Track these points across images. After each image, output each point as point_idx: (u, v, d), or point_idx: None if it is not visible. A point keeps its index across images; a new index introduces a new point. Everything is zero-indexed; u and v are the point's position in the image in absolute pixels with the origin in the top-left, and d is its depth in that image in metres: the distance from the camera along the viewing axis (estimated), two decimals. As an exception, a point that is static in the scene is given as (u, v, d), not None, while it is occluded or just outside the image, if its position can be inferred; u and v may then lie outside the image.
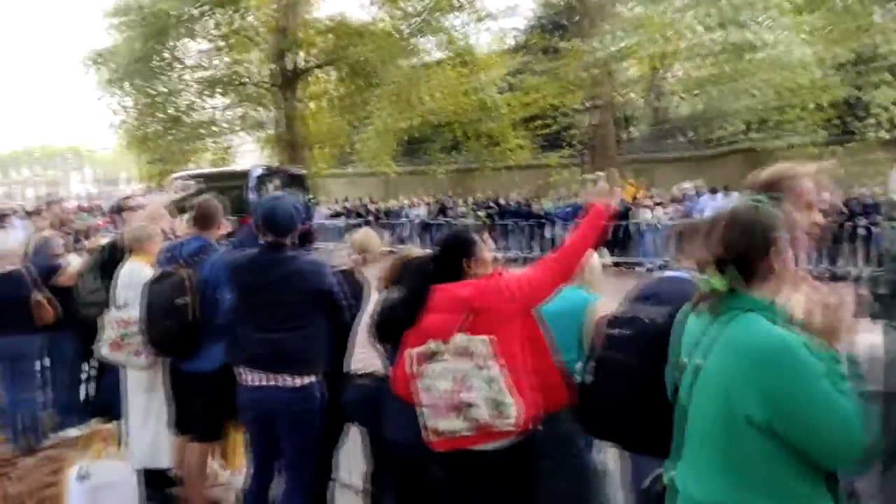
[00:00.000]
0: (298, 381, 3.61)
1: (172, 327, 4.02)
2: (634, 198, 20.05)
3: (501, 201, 21.06)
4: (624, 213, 16.91)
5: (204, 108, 34.90)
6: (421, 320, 2.95)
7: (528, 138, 27.76)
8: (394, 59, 27.72)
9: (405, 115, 27.83)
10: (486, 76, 27.48)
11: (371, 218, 23.35)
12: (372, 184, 32.86)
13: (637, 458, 3.00)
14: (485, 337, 2.73)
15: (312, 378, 3.67)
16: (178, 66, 33.61)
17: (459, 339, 2.75)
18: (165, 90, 33.44)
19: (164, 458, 4.64)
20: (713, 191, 16.74)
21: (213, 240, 4.31)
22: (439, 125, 30.17)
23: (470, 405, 2.70)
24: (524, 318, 2.92)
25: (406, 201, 23.23)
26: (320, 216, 25.52)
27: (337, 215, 25.05)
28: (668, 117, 32.18)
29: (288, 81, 31.78)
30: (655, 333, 2.45)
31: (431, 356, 2.77)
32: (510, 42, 32.13)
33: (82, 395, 6.34)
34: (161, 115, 33.69)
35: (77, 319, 5.45)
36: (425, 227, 21.55)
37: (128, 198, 5.93)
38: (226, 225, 4.92)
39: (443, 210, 21.86)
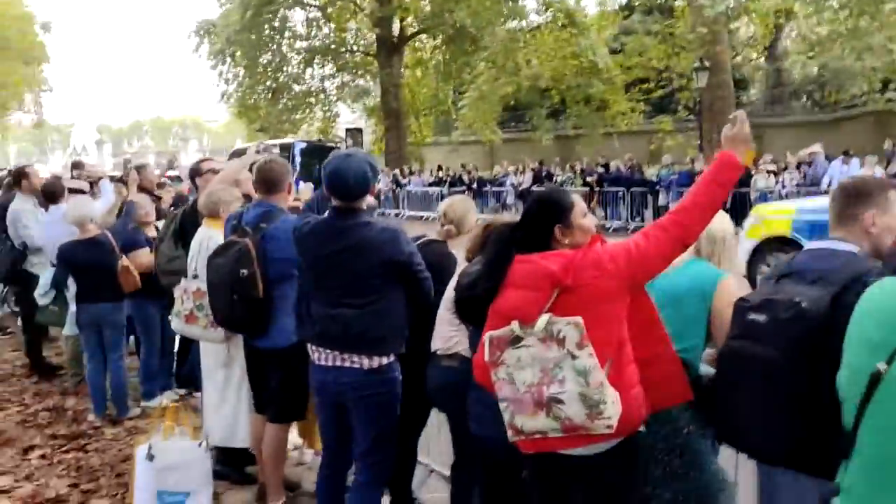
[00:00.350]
0: (371, 362, 3.20)
1: (238, 302, 3.67)
2: (753, 163, 18.92)
3: (608, 167, 20.13)
4: (743, 180, 15.87)
5: (310, 77, 35.33)
6: (501, 297, 2.47)
7: (636, 102, 26.70)
8: (495, 23, 27.05)
9: (508, 79, 27.15)
10: (591, 38, 26.39)
11: (471, 185, 22.85)
12: (474, 151, 32.43)
13: (772, 471, 2.43)
14: (576, 319, 2.23)
15: (387, 359, 3.25)
16: (284, 35, 34.01)
17: (545, 321, 2.25)
18: (272, 59, 33.93)
19: (241, 437, 4.35)
20: (846, 154, 15.38)
21: (279, 204, 3.89)
22: (543, 90, 29.42)
23: (558, 401, 2.21)
24: (630, 296, 2.38)
25: (509, 168, 22.60)
26: (420, 183, 25.32)
27: (437, 183, 24.67)
28: (786, 79, 30.31)
29: (390, 49, 31.64)
30: (806, 321, 1.89)
31: (512, 341, 2.30)
32: (616, 2, 30.75)
33: (170, 365, 6.23)
34: (267, 85, 34.23)
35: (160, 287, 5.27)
36: (527, 194, 20.93)
37: (204, 160, 5.67)
38: (306, 189, 4.57)
39: (546, 176, 21.17)
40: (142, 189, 6.54)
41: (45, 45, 38.84)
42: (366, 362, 3.19)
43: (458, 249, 3.80)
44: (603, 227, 18.69)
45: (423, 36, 33.63)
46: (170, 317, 4.52)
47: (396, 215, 25.23)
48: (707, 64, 19.80)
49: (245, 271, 3.62)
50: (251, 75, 34.02)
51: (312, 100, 35.20)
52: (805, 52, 26.05)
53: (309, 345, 3.35)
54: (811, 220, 8.73)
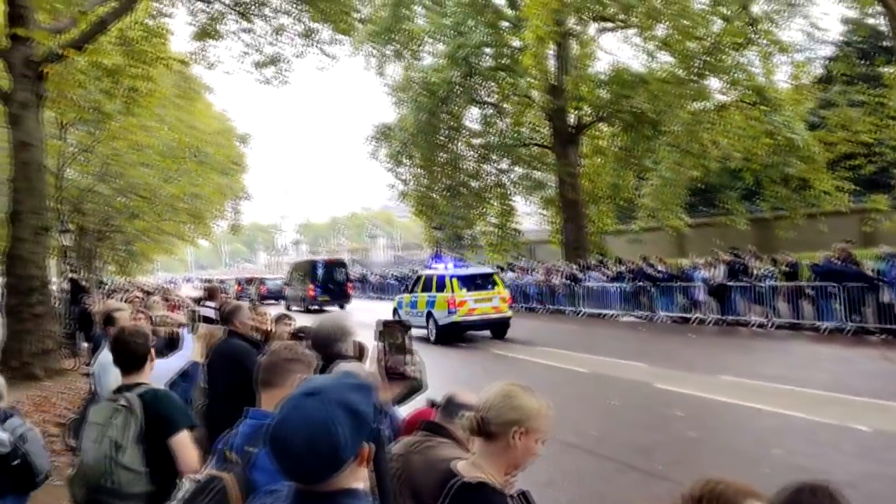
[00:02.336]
0: None
1: None
2: None
3: (818, 258, 17.34)
4: None
5: (487, 173, 35.15)
6: None
7: (842, 180, 23.79)
8: (676, 106, 25.34)
9: (694, 162, 25.21)
10: (786, 114, 24.09)
11: (657, 281, 20.77)
12: (660, 239, 30.40)
13: None
14: None
15: None
16: (460, 133, 34.21)
17: None
18: (448, 158, 34.13)
19: None
20: None
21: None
22: (735, 171, 27.20)
23: None
24: None
25: (699, 260, 20.31)
26: (600, 279, 23.55)
27: (618, 277, 22.77)
28: None
29: (566, 139, 30.75)
30: None
31: None
32: (812, 74, 27.98)
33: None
34: (444, 183, 34.42)
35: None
36: (721, 290, 18.59)
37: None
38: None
39: (742, 270, 18.72)
40: (236, 335, 5.48)
41: (244, 156, 41.56)
42: None
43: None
44: (814, 327, 16.10)
45: (601, 124, 32.47)
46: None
47: (575, 313, 23.53)
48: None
49: None
50: (428, 175, 34.37)
51: (489, 195, 34.86)
52: None
53: None
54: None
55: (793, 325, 16.79)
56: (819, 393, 10.06)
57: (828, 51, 29.79)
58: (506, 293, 19.29)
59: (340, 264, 35.84)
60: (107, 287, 37.43)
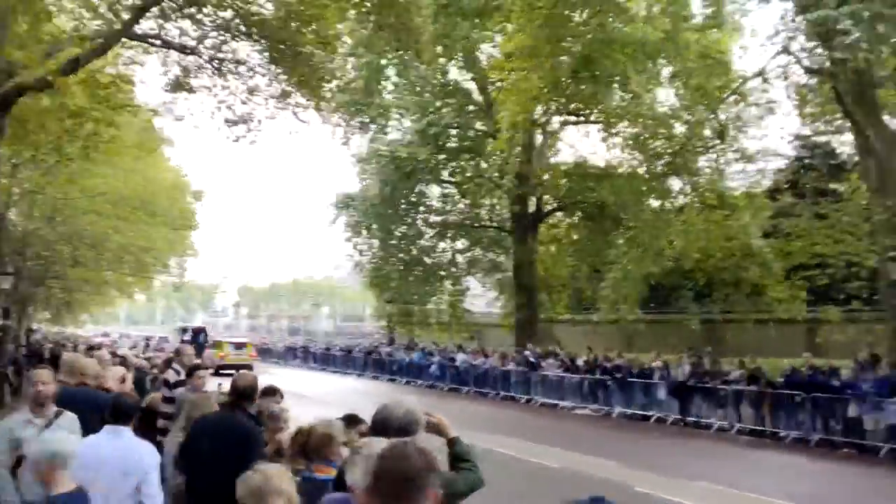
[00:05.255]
0: None
1: None
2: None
3: (782, 365, 17.37)
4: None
5: (443, 250, 35.02)
6: None
7: (795, 288, 24.11)
8: (638, 202, 25.64)
9: (652, 259, 25.36)
10: (745, 220, 24.52)
11: (615, 375, 20.52)
12: (611, 333, 30.29)
13: None
14: None
15: None
16: (420, 209, 34.11)
17: None
18: (406, 233, 33.91)
19: None
20: None
21: None
22: (690, 271, 27.41)
23: None
24: None
25: (657, 361, 20.13)
26: (552, 368, 23.16)
27: (573, 369, 22.43)
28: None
29: (526, 225, 30.85)
30: None
31: None
32: (767, 183, 28.64)
33: None
34: (399, 257, 34.10)
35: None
36: (683, 389, 18.38)
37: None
38: None
39: (706, 373, 18.58)
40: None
41: (194, 212, 40.51)
42: None
43: None
44: (775, 435, 15.93)
45: (559, 213, 32.79)
46: None
47: (528, 402, 23.04)
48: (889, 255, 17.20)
49: None
50: (385, 247, 34.07)
51: (443, 272, 34.61)
52: None
53: None
54: None
55: (754, 431, 16.61)
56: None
57: (780, 163, 30.65)
58: (253, 351, 38.75)
59: (202, 330, 50.10)
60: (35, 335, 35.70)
